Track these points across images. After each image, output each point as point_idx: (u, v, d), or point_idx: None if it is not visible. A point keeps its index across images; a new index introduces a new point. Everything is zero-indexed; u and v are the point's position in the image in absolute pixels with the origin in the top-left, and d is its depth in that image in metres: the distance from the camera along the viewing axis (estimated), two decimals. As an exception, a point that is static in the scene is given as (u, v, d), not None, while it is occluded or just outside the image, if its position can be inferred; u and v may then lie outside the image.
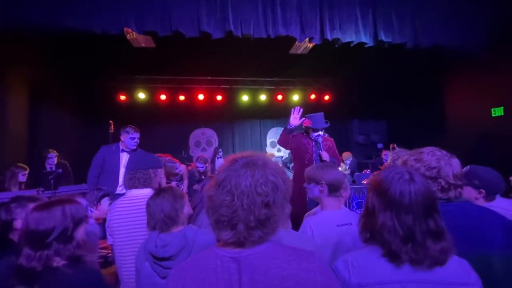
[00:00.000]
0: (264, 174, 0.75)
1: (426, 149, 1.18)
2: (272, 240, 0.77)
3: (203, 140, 8.20)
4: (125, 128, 3.30)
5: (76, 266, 1.09)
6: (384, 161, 5.50)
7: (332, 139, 3.25)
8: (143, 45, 5.23)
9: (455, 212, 1.08)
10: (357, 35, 4.06)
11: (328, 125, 3.10)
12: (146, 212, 1.46)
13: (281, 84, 7.82)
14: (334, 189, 1.64)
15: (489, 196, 1.66)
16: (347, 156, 6.58)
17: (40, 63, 5.20)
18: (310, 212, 1.89)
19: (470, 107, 5.06)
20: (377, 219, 0.91)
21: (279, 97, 7.87)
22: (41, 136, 5.13)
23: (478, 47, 4.45)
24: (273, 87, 7.83)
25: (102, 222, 2.29)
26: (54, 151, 4.45)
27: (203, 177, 4.54)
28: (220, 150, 6.02)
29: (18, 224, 1.50)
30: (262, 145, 8.48)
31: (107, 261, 2.10)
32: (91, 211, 2.16)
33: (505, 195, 2.43)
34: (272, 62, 6.24)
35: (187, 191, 4.20)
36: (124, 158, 3.25)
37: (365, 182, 4.49)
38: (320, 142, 3.03)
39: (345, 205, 1.98)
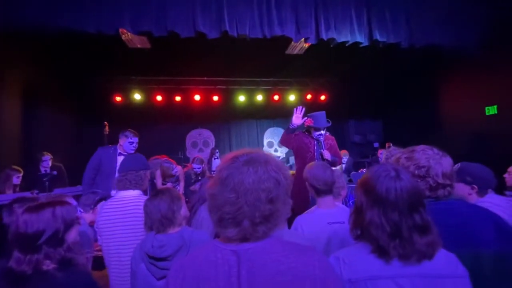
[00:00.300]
0: (266, 171, 0.76)
1: (419, 148, 1.19)
2: (273, 235, 0.78)
3: (200, 141, 8.18)
4: (124, 132, 3.27)
5: (67, 269, 1.07)
6: (380, 159, 5.53)
7: (333, 137, 3.26)
8: (138, 45, 5.20)
9: (444, 211, 1.09)
10: (352, 35, 4.09)
11: (330, 124, 3.11)
12: (143, 212, 1.47)
13: (278, 84, 7.83)
14: (321, 190, 1.67)
15: (482, 191, 1.69)
16: (344, 154, 6.61)
17: (34, 64, 5.15)
18: (308, 210, 1.91)
19: (464, 106, 5.11)
20: (365, 216, 0.93)
21: (276, 97, 7.88)
22: (35, 138, 5.07)
23: (472, 47, 4.51)
24: (269, 87, 7.84)
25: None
26: (49, 154, 4.41)
27: (199, 178, 4.52)
28: (217, 150, 6.01)
29: None
30: (259, 145, 8.48)
31: (103, 263, 2.08)
32: (80, 211, 2.14)
33: (499, 192, 2.47)
34: (268, 62, 6.25)
35: (183, 192, 4.18)
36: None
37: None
38: (322, 141, 3.04)
39: (343, 204, 2.00)
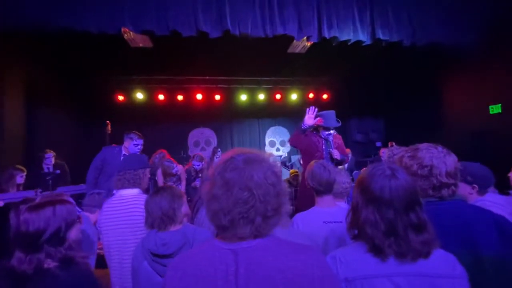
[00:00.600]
0: (268, 166, 0.78)
1: (422, 146, 1.18)
2: (272, 234, 0.78)
3: (202, 140, 8.19)
4: (129, 134, 3.29)
5: (68, 268, 1.07)
6: (382, 159, 5.50)
7: (340, 136, 3.25)
8: (140, 45, 5.20)
9: (447, 211, 1.09)
10: (354, 33, 4.06)
11: (340, 124, 3.09)
12: (144, 210, 1.47)
13: (279, 83, 7.81)
14: (320, 190, 1.68)
15: (482, 190, 1.70)
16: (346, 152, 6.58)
17: (37, 63, 5.18)
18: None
19: (468, 104, 5.07)
20: (361, 215, 0.93)
21: (278, 96, 7.86)
22: (38, 137, 5.10)
23: (475, 45, 4.47)
24: (271, 86, 7.82)
25: None
26: (52, 151, 4.43)
27: (199, 175, 4.54)
28: (219, 149, 6.00)
29: None
30: (261, 145, 8.48)
31: (105, 262, 2.09)
32: (78, 211, 2.15)
33: (502, 191, 2.45)
34: (270, 61, 6.24)
35: (185, 190, 4.19)
36: None
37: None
38: (331, 140, 3.03)
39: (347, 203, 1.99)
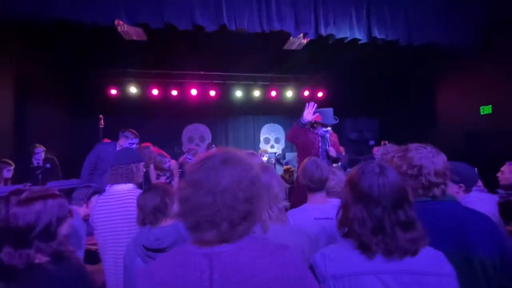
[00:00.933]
0: (242, 169, 0.75)
1: (412, 146, 1.19)
2: (247, 236, 0.76)
3: (196, 135, 8.14)
4: (124, 132, 3.27)
5: (59, 263, 1.06)
6: (375, 157, 5.56)
7: (335, 134, 3.26)
8: (134, 38, 5.11)
9: (439, 212, 1.10)
10: (351, 31, 4.07)
11: (337, 121, 3.10)
12: (136, 207, 1.46)
13: (275, 80, 7.79)
14: (312, 187, 1.69)
15: (468, 189, 1.76)
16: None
17: (27, 55, 5.04)
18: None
19: (460, 105, 5.16)
20: (349, 212, 0.93)
21: (273, 93, 7.85)
22: (28, 131, 4.99)
23: (469, 46, 4.52)
24: (267, 83, 7.80)
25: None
26: (41, 146, 4.35)
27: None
28: (213, 146, 5.98)
29: None
30: (256, 141, 8.48)
31: (97, 258, 2.07)
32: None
33: (491, 190, 2.50)
34: (266, 57, 6.21)
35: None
36: None
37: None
38: (328, 138, 3.04)
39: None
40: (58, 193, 1.21)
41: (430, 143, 1.21)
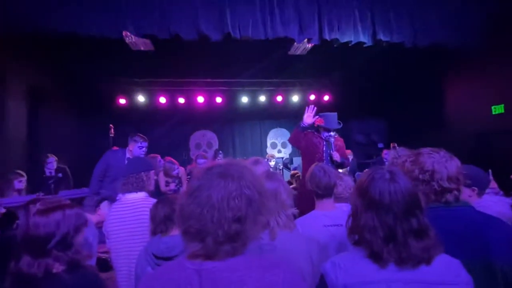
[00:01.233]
0: (238, 187, 0.73)
1: (425, 151, 1.17)
2: (240, 252, 0.75)
3: (204, 142, 8.20)
4: (133, 137, 3.31)
5: (75, 271, 1.08)
6: (384, 160, 5.48)
7: (342, 139, 3.24)
8: (142, 48, 5.23)
9: (454, 218, 1.07)
10: (355, 35, 4.06)
11: (341, 126, 3.08)
12: (149, 217, 1.50)
13: (280, 85, 7.81)
14: (320, 194, 1.67)
15: (480, 193, 1.72)
16: (348, 154, 6.55)
17: (39, 67, 5.21)
18: None
19: (471, 105, 5.05)
20: (360, 220, 0.91)
21: (279, 98, 7.86)
22: (40, 140, 5.12)
23: (478, 45, 4.45)
24: (272, 88, 7.82)
25: (101, 226, 2.29)
26: (53, 156, 4.45)
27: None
28: (220, 152, 6.00)
29: None
30: (263, 146, 8.48)
31: (108, 266, 2.09)
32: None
33: (506, 192, 2.43)
34: (271, 63, 6.24)
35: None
36: None
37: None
38: (332, 142, 3.02)
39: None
40: (72, 203, 1.24)
41: (439, 144, 1.19)
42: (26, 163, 4.59)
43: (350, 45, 4.16)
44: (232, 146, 8.25)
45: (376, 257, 0.87)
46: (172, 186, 4.12)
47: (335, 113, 3.11)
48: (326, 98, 8.04)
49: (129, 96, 7.29)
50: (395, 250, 0.85)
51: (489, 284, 0.96)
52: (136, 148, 3.26)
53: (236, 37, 3.77)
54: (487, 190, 2.30)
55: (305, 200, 2.56)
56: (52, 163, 4.38)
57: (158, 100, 7.39)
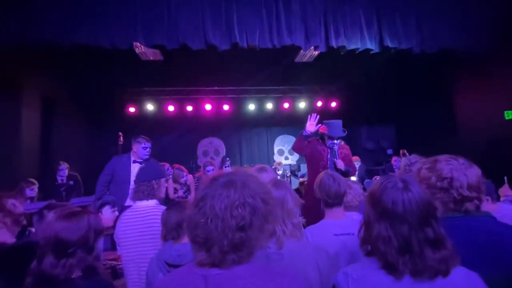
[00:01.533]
0: (241, 196, 0.73)
1: (442, 157, 1.13)
2: (246, 263, 0.76)
3: (211, 149, 8.24)
4: (136, 139, 3.34)
5: (91, 278, 1.11)
6: (394, 167, 5.39)
7: (348, 146, 3.21)
8: (151, 58, 5.36)
9: (476, 229, 1.02)
10: (362, 41, 4.06)
11: (346, 134, 3.06)
12: (160, 223, 1.50)
13: (287, 92, 7.84)
14: (329, 203, 1.64)
15: (493, 200, 1.70)
16: (355, 160, 6.47)
17: (53, 78, 5.39)
18: None
19: (482, 110, 4.94)
20: (373, 230, 0.89)
21: (286, 105, 7.88)
22: (53, 149, 5.25)
23: (488, 50, 4.38)
24: (279, 95, 7.86)
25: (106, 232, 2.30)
26: (65, 163, 4.54)
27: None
28: (228, 159, 6.00)
29: None
30: (270, 153, 8.46)
31: (117, 273, 2.10)
32: None
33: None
34: (277, 71, 6.29)
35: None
36: (137, 169, 3.25)
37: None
38: (336, 150, 2.99)
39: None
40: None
41: (450, 150, 1.16)
42: (39, 171, 4.70)
43: (357, 52, 4.15)
44: (239, 153, 8.26)
45: (391, 269, 0.84)
46: (180, 193, 4.14)
47: (340, 121, 3.08)
48: (333, 104, 8.01)
49: (139, 104, 7.44)
50: (411, 261, 0.82)
51: None
52: (140, 149, 3.27)
53: (243, 46, 3.83)
54: (503, 198, 2.24)
55: (309, 209, 2.53)
56: (64, 170, 4.48)
57: (167, 108, 7.51)
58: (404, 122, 7.09)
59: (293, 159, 8.41)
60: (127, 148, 4.46)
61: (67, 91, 5.83)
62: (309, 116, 3.01)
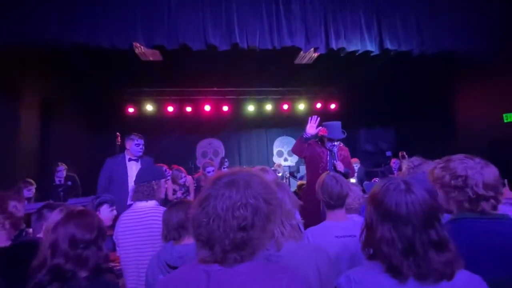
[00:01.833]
0: (244, 196, 0.74)
1: (456, 157, 1.11)
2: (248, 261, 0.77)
3: (210, 150, 8.23)
4: (129, 136, 3.33)
5: (97, 277, 1.12)
6: (393, 169, 5.39)
7: (347, 148, 3.21)
8: (151, 58, 5.35)
9: (492, 231, 1.00)
10: (362, 43, 4.07)
11: (345, 135, 3.05)
12: (161, 222, 1.49)
13: (287, 94, 7.85)
14: (332, 204, 1.64)
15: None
16: (354, 162, 6.47)
17: (51, 78, 5.36)
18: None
19: (481, 112, 4.96)
20: (376, 233, 0.88)
21: (285, 106, 7.89)
22: (51, 150, 5.22)
23: (487, 52, 4.40)
24: (279, 97, 7.87)
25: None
26: (63, 164, 4.52)
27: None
28: (226, 160, 5.98)
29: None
30: (269, 155, 8.46)
31: (115, 274, 2.09)
32: None
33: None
34: (277, 72, 6.29)
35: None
36: (133, 167, 3.23)
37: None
38: (335, 152, 2.99)
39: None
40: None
41: (449, 152, 1.15)
42: (37, 172, 4.67)
43: (357, 54, 4.16)
44: (239, 154, 8.25)
45: (395, 272, 0.83)
46: (179, 194, 4.12)
47: (339, 122, 3.08)
48: (332, 106, 8.02)
49: (138, 105, 7.43)
50: (415, 264, 0.81)
51: None
52: (133, 146, 3.25)
53: (243, 47, 3.83)
54: (503, 200, 2.23)
55: (308, 210, 2.52)
56: (62, 171, 4.45)
57: (166, 109, 7.49)
58: (403, 124, 7.10)
59: (292, 160, 8.40)
60: (124, 149, 4.45)
61: (66, 91, 5.80)
62: (309, 118, 3.00)
